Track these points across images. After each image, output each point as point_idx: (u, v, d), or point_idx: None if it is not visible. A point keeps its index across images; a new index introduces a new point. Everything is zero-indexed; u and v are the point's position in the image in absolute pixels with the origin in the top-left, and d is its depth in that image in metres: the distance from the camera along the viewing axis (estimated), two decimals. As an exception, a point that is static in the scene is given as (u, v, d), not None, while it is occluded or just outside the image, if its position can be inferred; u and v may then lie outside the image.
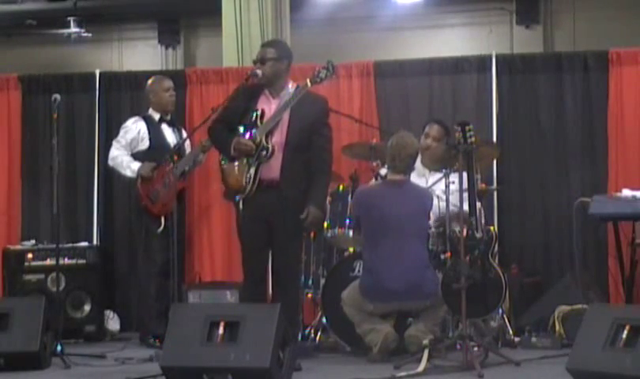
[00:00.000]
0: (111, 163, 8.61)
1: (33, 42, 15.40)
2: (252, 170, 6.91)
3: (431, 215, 7.60)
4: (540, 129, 8.85)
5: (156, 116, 8.59)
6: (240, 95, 7.16)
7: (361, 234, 7.56)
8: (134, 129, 8.55)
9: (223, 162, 7.06)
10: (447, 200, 7.26)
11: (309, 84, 7.03)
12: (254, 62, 7.10)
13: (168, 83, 8.68)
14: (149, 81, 8.72)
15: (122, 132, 8.61)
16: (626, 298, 7.94)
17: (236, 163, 6.97)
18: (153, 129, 8.55)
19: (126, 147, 8.52)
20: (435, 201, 7.56)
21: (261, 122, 6.95)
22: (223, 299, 8.51)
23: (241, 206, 6.98)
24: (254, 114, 6.96)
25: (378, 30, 14.39)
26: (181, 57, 15.84)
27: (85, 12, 14.50)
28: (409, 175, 7.57)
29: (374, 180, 7.91)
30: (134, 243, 8.79)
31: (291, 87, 7.06)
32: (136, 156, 8.49)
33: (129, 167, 8.43)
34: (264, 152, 6.90)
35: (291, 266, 7.08)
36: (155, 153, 8.40)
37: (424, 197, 7.54)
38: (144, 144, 8.52)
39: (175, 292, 7.30)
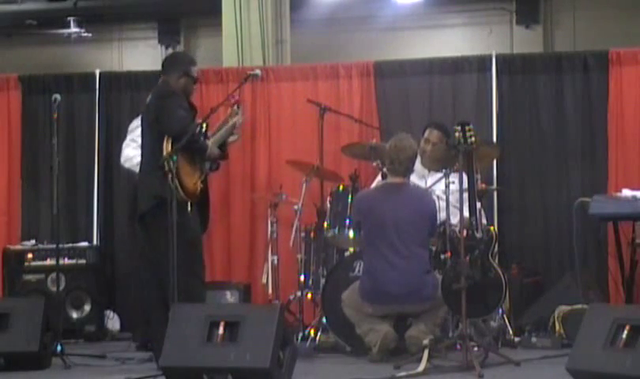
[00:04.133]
0: (126, 164, 8.28)
1: (33, 42, 15.41)
2: (204, 177, 7.04)
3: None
4: (540, 129, 8.85)
5: None
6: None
7: (362, 237, 7.56)
8: None
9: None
10: (447, 200, 7.26)
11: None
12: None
13: None
14: None
15: (138, 131, 8.00)
16: (626, 298, 7.93)
17: (191, 168, 7.00)
18: None
19: None
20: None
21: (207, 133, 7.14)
22: (223, 299, 8.50)
23: (189, 208, 6.98)
24: (204, 126, 7.03)
25: (378, 30, 14.41)
26: (181, 57, 15.82)
27: (85, 12, 14.51)
28: (408, 177, 7.56)
29: (379, 177, 7.90)
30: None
31: None
32: None
33: None
34: (215, 166, 7.14)
35: None
36: None
37: (424, 199, 7.52)
38: None
39: (175, 292, 7.24)
